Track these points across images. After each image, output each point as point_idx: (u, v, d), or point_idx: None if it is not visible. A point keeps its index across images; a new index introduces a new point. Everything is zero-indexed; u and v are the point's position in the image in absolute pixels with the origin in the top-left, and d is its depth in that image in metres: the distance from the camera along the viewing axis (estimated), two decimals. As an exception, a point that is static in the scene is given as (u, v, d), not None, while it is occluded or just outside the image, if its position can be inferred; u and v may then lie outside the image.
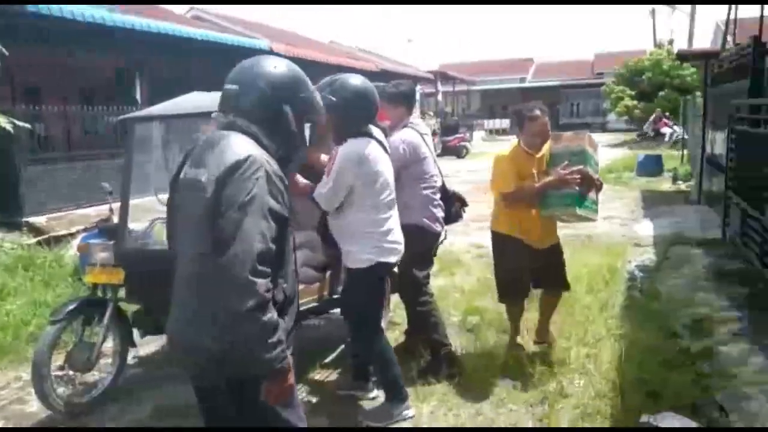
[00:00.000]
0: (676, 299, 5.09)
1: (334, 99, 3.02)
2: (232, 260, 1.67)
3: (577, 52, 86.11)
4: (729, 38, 12.92)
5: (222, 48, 12.59)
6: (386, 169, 3.19)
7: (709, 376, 3.69)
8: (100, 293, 3.66)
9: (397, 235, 3.24)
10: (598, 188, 3.74)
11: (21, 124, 6.71)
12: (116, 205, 3.86)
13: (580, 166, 3.53)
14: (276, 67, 1.93)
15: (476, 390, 3.54)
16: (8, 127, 6.39)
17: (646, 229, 8.22)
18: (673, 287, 5.43)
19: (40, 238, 7.04)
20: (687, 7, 27.05)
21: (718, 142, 8.65)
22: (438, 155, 24.10)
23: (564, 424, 3.16)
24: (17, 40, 7.74)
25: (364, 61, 21.20)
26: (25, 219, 8.04)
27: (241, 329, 1.68)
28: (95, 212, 8.74)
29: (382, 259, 3.14)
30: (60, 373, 3.46)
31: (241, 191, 1.72)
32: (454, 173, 15.75)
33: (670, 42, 27.60)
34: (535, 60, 46.39)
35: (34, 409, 3.59)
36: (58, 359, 3.47)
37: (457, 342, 4.16)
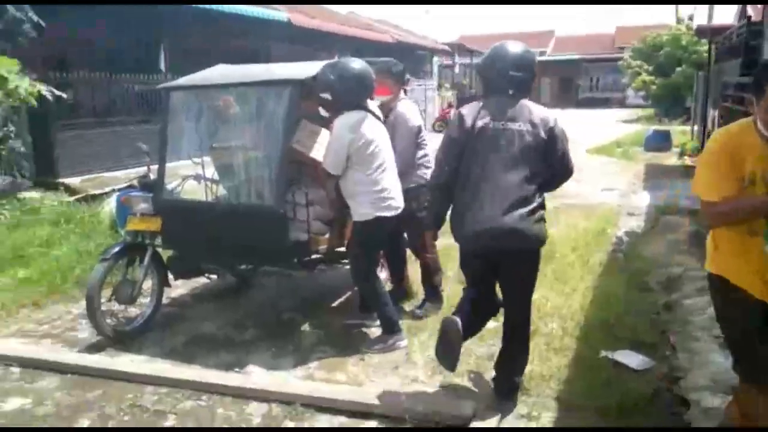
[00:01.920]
0: (654, 260, 5.58)
1: (333, 78, 3.67)
2: (571, 166, 3.09)
3: (598, 26, 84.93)
4: (751, 12, 13.00)
5: (242, 19, 13.03)
6: (379, 137, 3.73)
7: (668, 322, 4.21)
8: (140, 239, 4.24)
9: (394, 193, 3.78)
10: None
11: (58, 92, 7.30)
12: (152, 165, 4.44)
13: None
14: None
15: (462, 328, 4.09)
16: (48, 94, 6.99)
17: (642, 199, 8.65)
18: (654, 250, 5.92)
19: (78, 196, 7.67)
20: (709, -18, 26.74)
21: (717, 119, 9.00)
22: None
23: (535, 357, 3.69)
24: (46, 14, 8.28)
25: (381, 32, 21.47)
26: (59, 180, 8.70)
27: None
28: (123, 175, 9.39)
29: (379, 213, 3.71)
30: (107, 305, 4.07)
31: (563, 133, 3.03)
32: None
33: (690, 17, 27.35)
34: (556, 33, 46.06)
35: (85, 335, 4.22)
36: (105, 294, 4.07)
37: (451, 290, 4.70)
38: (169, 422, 3.10)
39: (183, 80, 4.32)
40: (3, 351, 3.86)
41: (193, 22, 12.09)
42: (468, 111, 3.03)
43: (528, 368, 3.51)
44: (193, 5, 11.50)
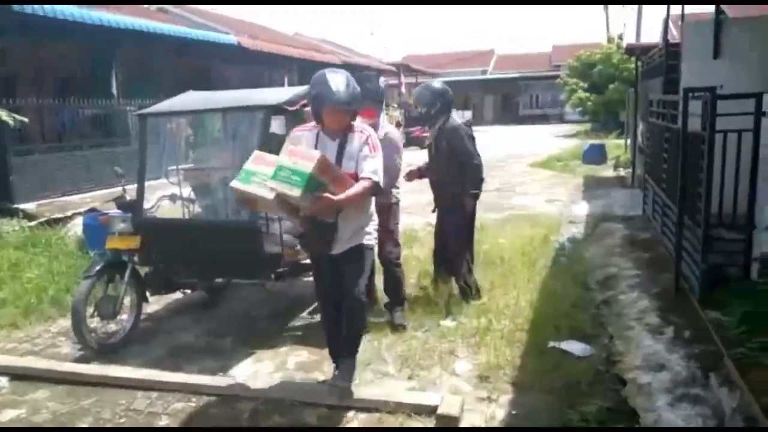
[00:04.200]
0: (593, 262, 6.14)
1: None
2: None
3: (536, 44, 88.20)
4: (674, 31, 13.98)
5: (191, 42, 13.22)
6: None
7: (606, 315, 4.73)
8: (119, 257, 4.46)
9: None
10: None
11: (19, 117, 7.39)
12: (129, 186, 4.69)
13: None
14: None
15: (425, 328, 4.50)
16: (9, 120, 7.08)
17: (582, 209, 9.30)
18: (593, 253, 6.49)
19: (39, 220, 7.72)
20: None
21: (644, 132, 9.78)
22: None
23: (491, 350, 4.10)
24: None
25: (329, 54, 21.95)
26: (16, 206, 8.69)
27: None
28: (79, 199, 9.46)
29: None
30: (88, 321, 4.27)
31: None
32: (417, 162, 16.72)
33: (620, 36, 29.01)
34: (496, 52, 47.72)
35: (67, 350, 4.42)
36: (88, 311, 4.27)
37: (413, 295, 5.11)
38: (163, 422, 3.37)
39: (158, 106, 4.60)
40: (-6, 365, 4.03)
41: (142, 46, 12.21)
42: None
43: (485, 359, 3.96)
44: (141, 26, 11.63)
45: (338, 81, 3.23)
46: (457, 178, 4.77)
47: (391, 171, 4.32)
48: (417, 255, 6.61)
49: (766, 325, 3.81)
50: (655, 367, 3.69)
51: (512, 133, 30.06)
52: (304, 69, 17.76)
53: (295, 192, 2.97)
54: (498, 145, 22.76)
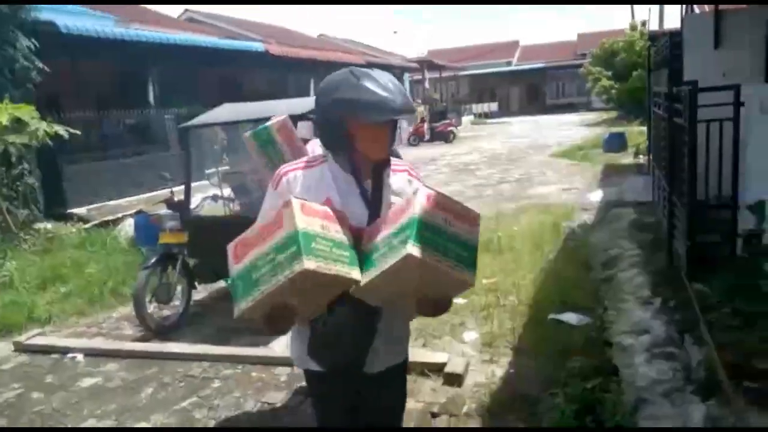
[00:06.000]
0: (599, 245, 6.62)
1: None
2: None
3: (560, 33, 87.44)
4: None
5: (221, 51, 13.95)
6: None
7: (604, 291, 5.22)
8: (171, 251, 5.13)
9: None
10: None
11: (72, 130, 8.17)
12: (176, 189, 5.36)
13: None
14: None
15: (439, 306, 5.06)
16: (65, 134, 7.86)
17: (596, 196, 9.72)
18: (600, 237, 6.96)
19: (94, 222, 8.52)
20: (658, -11, 28.32)
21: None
22: (427, 140, 25.31)
23: (496, 322, 4.66)
24: (45, 56, 9.11)
25: (353, 54, 22.58)
26: (69, 211, 9.54)
27: None
28: (126, 202, 10.27)
29: None
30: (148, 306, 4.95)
31: None
32: (440, 156, 17.25)
33: (643, 23, 28.93)
34: (521, 43, 47.77)
35: (129, 332, 5.13)
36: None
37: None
38: (216, 385, 4.01)
39: (198, 119, 5.26)
40: (73, 344, 4.75)
41: (175, 57, 12.96)
42: None
43: (488, 329, 4.50)
44: (175, 40, 12.39)
45: (385, 78, 1.88)
46: None
47: None
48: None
49: (741, 294, 4.28)
50: (639, 332, 4.19)
51: (537, 123, 30.33)
52: (331, 71, 18.40)
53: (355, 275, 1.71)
54: (521, 136, 23.15)
